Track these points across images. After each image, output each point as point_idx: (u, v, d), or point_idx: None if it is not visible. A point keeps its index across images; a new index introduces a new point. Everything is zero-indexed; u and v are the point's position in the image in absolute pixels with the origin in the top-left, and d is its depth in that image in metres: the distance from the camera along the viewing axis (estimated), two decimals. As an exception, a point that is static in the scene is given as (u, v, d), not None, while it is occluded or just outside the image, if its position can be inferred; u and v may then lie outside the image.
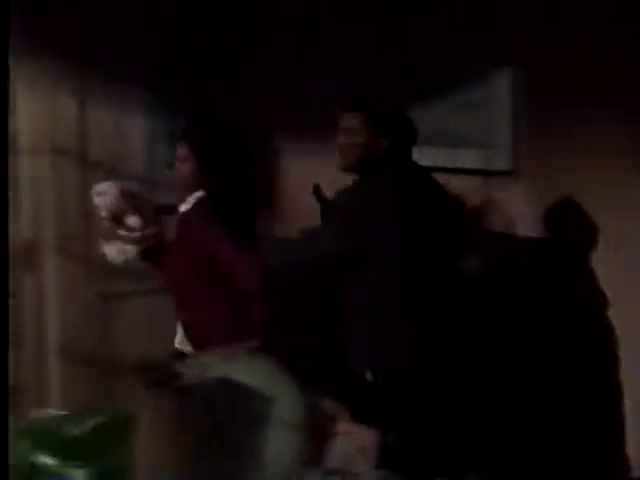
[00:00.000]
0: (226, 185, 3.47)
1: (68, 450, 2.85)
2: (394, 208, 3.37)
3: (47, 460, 2.80)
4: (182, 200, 3.58)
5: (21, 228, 4.74)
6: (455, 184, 3.98)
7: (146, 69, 4.95)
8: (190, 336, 3.59)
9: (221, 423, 2.72)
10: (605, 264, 3.96)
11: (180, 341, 3.62)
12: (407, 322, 3.43)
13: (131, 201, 3.62)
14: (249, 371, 2.88)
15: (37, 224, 4.73)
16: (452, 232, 3.60)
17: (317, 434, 2.87)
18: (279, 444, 2.77)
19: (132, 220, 3.62)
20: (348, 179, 3.57)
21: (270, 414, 2.78)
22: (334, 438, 2.92)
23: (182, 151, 3.52)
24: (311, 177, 3.98)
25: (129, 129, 4.98)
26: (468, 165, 4.34)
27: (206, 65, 5.03)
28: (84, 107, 4.86)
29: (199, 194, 3.52)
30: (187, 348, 3.56)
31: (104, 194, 3.62)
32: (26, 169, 4.88)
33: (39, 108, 4.83)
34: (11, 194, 4.84)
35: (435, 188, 3.61)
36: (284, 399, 2.82)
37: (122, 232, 3.61)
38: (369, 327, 3.45)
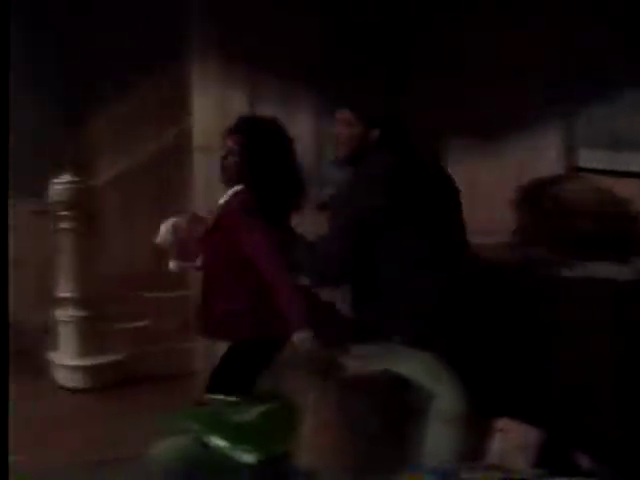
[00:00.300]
0: (266, 181, 3.69)
1: (237, 434, 3.02)
2: (389, 196, 3.46)
3: (219, 442, 2.98)
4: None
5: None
6: (619, 188, 3.95)
7: (315, 69, 5.10)
8: (205, 322, 3.79)
9: (381, 414, 2.82)
10: None
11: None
12: (417, 312, 3.47)
13: (181, 233, 3.91)
14: (411, 365, 2.98)
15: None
16: (453, 213, 3.68)
17: (476, 430, 2.94)
18: (438, 437, 2.86)
19: (172, 264, 3.96)
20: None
21: (430, 408, 2.87)
22: (493, 434, 2.98)
23: (230, 144, 3.76)
24: (477, 175, 4.03)
25: (298, 127, 5.14)
26: (634, 168, 4.27)
27: (372, 64, 5.17)
28: (254, 106, 5.05)
29: (237, 188, 3.74)
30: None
31: (159, 233, 3.93)
32: (199, 167, 5.14)
33: (212, 107, 5.06)
34: (187, 192, 5.12)
35: (433, 167, 3.70)
36: (444, 393, 2.90)
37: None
38: (378, 322, 3.51)
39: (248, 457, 2.92)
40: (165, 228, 3.92)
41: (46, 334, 6.17)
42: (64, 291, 6.00)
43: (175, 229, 3.91)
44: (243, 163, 3.72)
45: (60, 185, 5.93)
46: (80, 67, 6.75)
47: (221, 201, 3.81)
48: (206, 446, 3.01)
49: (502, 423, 3.02)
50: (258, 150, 3.72)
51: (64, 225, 5.88)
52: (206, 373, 5.07)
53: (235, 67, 4.99)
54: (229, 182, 3.79)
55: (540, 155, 4.50)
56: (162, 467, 3.12)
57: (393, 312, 3.43)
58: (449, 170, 3.69)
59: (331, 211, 3.59)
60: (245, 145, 3.72)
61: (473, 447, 2.95)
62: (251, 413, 3.15)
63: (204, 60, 5.11)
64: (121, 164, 6.47)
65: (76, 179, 5.92)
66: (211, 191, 4.91)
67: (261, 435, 3.04)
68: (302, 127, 5.15)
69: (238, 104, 5.04)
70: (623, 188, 4.05)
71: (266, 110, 5.05)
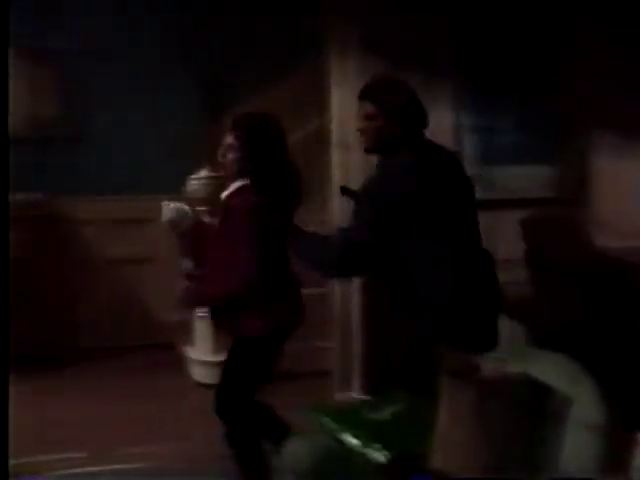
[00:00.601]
0: (267, 177, 3.81)
1: (369, 433, 3.05)
2: (413, 184, 3.63)
3: (351, 440, 3.03)
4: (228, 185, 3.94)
5: (330, 223, 5.06)
6: None
7: (456, 66, 5.10)
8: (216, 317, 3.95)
9: (517, 417, 2.81)
10: None
11: None
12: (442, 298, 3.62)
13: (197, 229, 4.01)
14: (549, 369, 2.95)
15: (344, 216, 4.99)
16: (468, 201, 3.84)
17: (617, 441, 2.87)
18: (576, 446, 2.81)
19: (186, 262, 4.07)
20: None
21: (568, 414, 2.83)
22: (634, 447, 2.93)
23: (229, 140, 3.87)
24: (623, 175, 3.95)
25: (438, 124, 5.13)
26: None
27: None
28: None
29: (240, 183, 3.84)
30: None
31: (175, 213, 3.96)
32: (337, 163, 5.20)
33: (350, 104, 5.10)
34: (324, 188, 5.19)
35: (452, 164, 3.87)
36: (584, 401, 2.86)
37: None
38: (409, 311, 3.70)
39: (379, 456, 2.96)
40: (168, 207, 4.00)
41: (184, 330, 6.35)
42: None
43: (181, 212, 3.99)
44: (243, 160, 3.83)
45: (197, 180, 6.09)
46: (220, 63, 6.94)
47: (223, 195, 3.93)
48: (339, 443, 3.06)
49: (643, 435, 2.97)
50: (258, 146, 3.83)
51: (201, 221, 6.04)
52: (341, 372, 5.19)
53: (374, 63, 5.02)
54: (230, 179, 3.92)
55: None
56: (295, 463, 3.20)
57: (428, 308, 3.61)
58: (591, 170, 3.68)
59: (358, 202, 3.75)
60: (245, 142, 3.83)
61: (615, 460, 2.89)
62: (385, 412, 3.19)
63: (343, 56, 5.17)
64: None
65: (213, 174, 6.07)
66: (347, 184, 4.99)
67: (394, 434, 3.07)
68: (442, 124, 5.14)
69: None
70: None
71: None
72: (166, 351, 6.42)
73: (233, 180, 3.90)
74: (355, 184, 4.96)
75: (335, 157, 5.22)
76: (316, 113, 6.02)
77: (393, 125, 3.73)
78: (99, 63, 6.92)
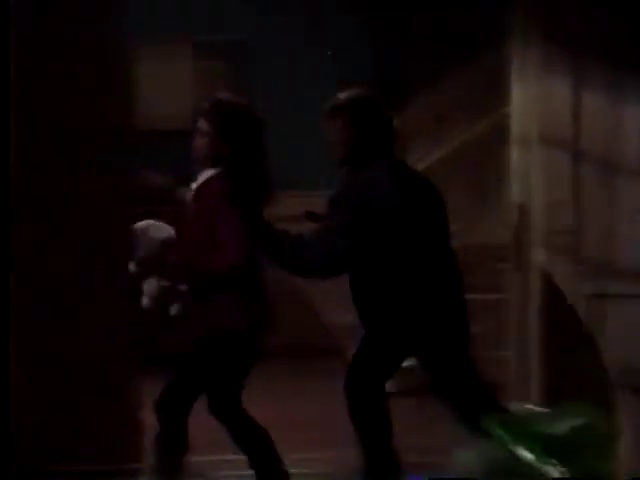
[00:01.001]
0: (238, 161, 3.90)
1: (546, 447, 3.04)
2: (381, 195, 3.95)
3: (525, 453, 3.04)
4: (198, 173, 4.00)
5: (508, 221, 5.06)
6: None
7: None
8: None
9: None
10: None
11: None
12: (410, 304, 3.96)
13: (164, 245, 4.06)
14: None
15: (525, 217, 4.99)
16: (436, 211, 4.12)
17: None
18: None
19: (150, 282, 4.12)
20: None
21: None
22: None
23: (201, 125, 3.96)
24: None
25: (625, 116, 5.06)
26: None
27: None
28: (579, 93, 5.03)
29: (211, 172, 3.93)
30: None
31: (140, 235, 4.00)
32: (516, 157, 5.20)
33: (532, 95, 5.10)
34: (502, 183, 5.20)
35: (420, 178, 4.21)
36: None
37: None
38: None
39: (555, 472, 2.95)
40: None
41: (352, 334, 6.45)
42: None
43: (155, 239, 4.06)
44: (213, 146, 3.94)
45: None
46: (397, 53, 7.04)
47: (194, 185, 4.01)
48: (513, 456, 3.08)
49: None
50: (230, 134, 3.93)
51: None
52: (517, 382, 5.18)
53: (558, 52, 5.00)
54: (200, 164, 4.01)
55: None
56: (464, 474, 3.23)
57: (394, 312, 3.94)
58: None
59: (330, 210, 4.05)
60: (216, 128, 3.94)
61: None
62: (563, 426, 3.15)
63: (525, 45, 5.16)
64: (436, 152, 6.67)
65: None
66: (527, 183, 5.01)
67: (572, 450, 3.05)
68: (630, 116, 5.07)
69: (560, 91, 5.03)
70: None
71: (592, 98, 5.03)
72: (335, 355, 6.52)
73: (202, 166, 4.01)
74: (535, 182, 5.00)
75: (514, 154, 5.22)
76: (493, 108, 6.04)
77: (360, 137, 3.99)
78: (269, 58, 7.15)
